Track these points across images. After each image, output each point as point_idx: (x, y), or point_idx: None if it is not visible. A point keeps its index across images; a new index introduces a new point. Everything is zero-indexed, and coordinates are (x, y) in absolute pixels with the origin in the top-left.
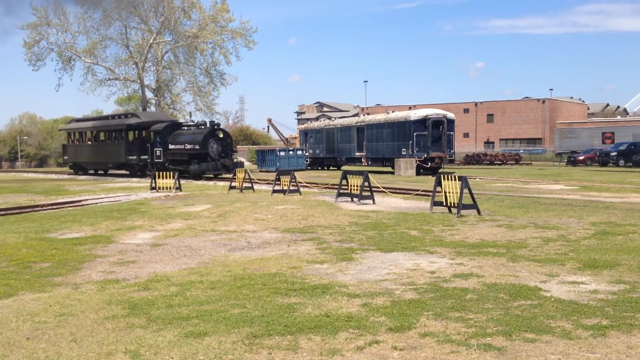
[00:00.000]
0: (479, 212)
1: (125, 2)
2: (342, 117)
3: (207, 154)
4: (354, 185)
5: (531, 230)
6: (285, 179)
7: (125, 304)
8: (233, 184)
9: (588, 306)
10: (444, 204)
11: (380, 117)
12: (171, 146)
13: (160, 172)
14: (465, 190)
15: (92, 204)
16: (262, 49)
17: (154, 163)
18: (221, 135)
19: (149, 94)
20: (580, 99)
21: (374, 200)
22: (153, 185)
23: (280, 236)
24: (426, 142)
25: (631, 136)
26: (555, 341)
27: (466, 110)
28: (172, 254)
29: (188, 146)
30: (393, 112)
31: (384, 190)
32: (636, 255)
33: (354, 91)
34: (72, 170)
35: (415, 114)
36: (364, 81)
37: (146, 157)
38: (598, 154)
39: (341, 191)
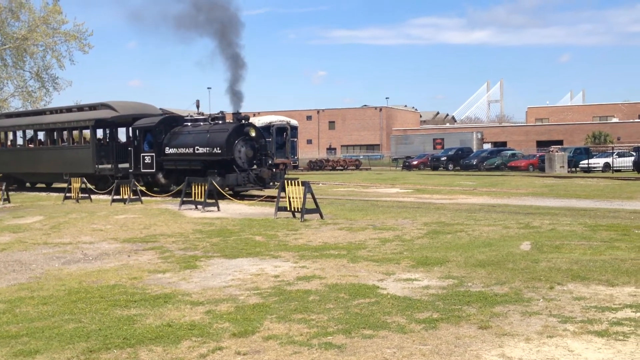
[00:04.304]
0: (321, 216)
1: None
2: None
3: (233, 161)
4: (198, 193)
5: (370, 232)
6: (125, 188)
7: None
8: (68, 194)
9: (421, 301)
10: (288, 209)
11: None
12: (170, 150)
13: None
14: (309, 195)
15: None
16: (99, 53)
17: (141, 175)
18: (253, 134)
19: None
20: (413, 107)
21: (218, 207)
22: None
23: (120, 246)
24: (270, 148)
25: (459, 142)
26: (391, 336)
27: (309, 118)
28: None
29: (200, 149)
30: None
31: (229, 197)
32: (463, 252)
33: (197, 98)
34: None
35: (259, 121)
36: (208, 88)
37: (127, 165)
38: (430, 158)
39: (185, 199)
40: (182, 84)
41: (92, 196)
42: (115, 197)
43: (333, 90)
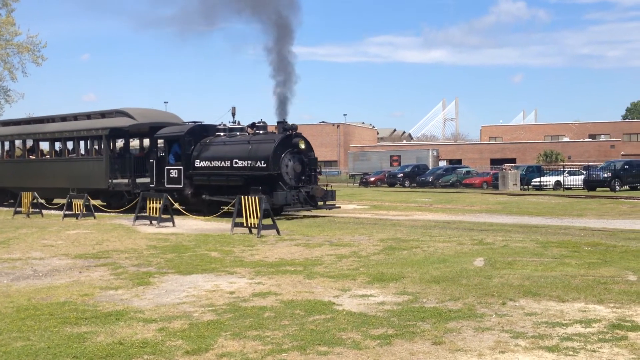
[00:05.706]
0: (278, 232)
1: None
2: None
3: (280, 176)
4: (153, 208)
5: (326, 248)
6: (78, 202)
7: None
8: (18, 208)
9: (376, 317)
10: (245, 224)
11: None
12: (201, 163)
13: None
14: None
15: None
16: (52, 65)
17: (166, 190)
18: (302, 146)
19: None
20: (370, 124)
21: (174, 222)
22: None
23: (71, 262)
24: None
25: (415, 159)
26: (346, 352)
27: None
28: None
29: (240, 163)
30: None
31: (185, 212)
32: (418, 268)
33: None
34: None
35: None
36: (165, 102)
37: (147, 180)
38: (387, 175)
39: (139, 214)
40: (138, 99)
41: (44, 211)
42: (68, 212)
43: (291, 106)
